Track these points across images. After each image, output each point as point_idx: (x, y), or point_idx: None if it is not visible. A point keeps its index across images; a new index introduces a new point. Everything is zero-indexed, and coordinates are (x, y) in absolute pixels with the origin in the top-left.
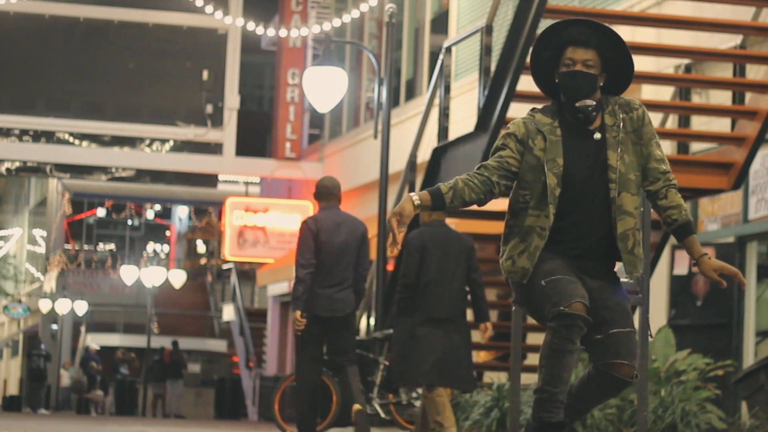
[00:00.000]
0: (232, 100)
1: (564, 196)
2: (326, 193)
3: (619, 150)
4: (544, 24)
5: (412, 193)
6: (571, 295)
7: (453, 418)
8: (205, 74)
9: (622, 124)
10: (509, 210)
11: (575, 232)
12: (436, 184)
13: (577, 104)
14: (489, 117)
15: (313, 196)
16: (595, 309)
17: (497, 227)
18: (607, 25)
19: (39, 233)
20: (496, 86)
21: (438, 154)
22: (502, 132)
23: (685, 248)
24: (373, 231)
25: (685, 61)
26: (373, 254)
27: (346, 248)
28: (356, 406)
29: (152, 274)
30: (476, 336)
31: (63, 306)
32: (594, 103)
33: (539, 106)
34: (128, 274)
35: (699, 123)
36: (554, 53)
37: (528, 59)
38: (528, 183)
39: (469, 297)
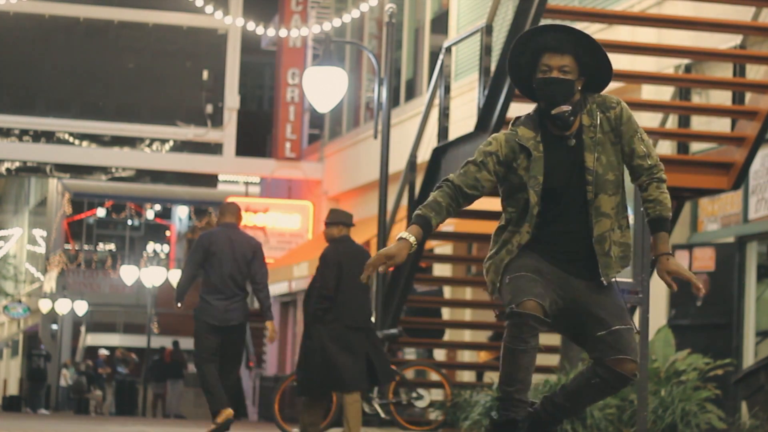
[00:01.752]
0: (232, 100)
1: (545, 209)
2: (227, 213)
3: (596, 152)
4: (544, 24)
5: (405, 235)
6: (525, 294)
7: (359, 423)
8: (205, 74)
9: (599, 123)
10: (498, 224)
11: (557, 238)
12: (436, 184)
13: (552, 112)
14: (489, 117)
15: (217, 215)
16: (588, 307)
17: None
18: (580, 30)
19: (39, 233)
20: (496, 86)
21: (438, 154)
22: (483, 146)
23: (652, 242)
24: (372, 231)
25: (685, 61)
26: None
27: (237, 263)
28: (228, 411)
29: (152, 274)
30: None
31: (63, 306)
32: (570, 108)
33: (522, 114)
34: (128, 274)
35: (699, 123)
36: (531, 59)
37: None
38: (513, 200)
39: None
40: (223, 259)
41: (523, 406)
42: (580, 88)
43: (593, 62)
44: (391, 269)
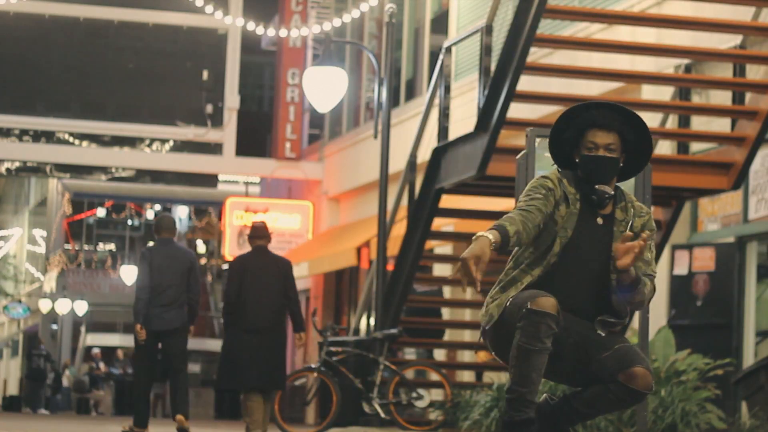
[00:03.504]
0: (232, 100)
1: (560, 266)
2: (163, 228)
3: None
4: (545, 24)
5: (482, 233)
6: (540, 294)
7: (261, 419)
8: (205, 74)
9: (631, 223)
10: (511, 258)
11: (562, 292)
12: (436, 184)
13: (597, 187)
14: (489, 117)
15: (153, 231)
16: (587, 333)
17: None
18: (630, 109)
19: (39, 233)
20: (496, 86)
21: (438, 154)
22: (541, 181)
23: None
24: (372, 231)
25: (685, 61)
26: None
27: (175, 275)
28: (179, 417)
29: None
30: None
31: (63, 306)
32: (612, 192)
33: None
34: (128, 274)
35: (699, 123)
36: (575, 133)
37: (526, 59)
38: (537, 243)
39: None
40: (163, 271)
41: (534, 407)
42: (621, 164)
43: (637, 140)
44: (390, 268)
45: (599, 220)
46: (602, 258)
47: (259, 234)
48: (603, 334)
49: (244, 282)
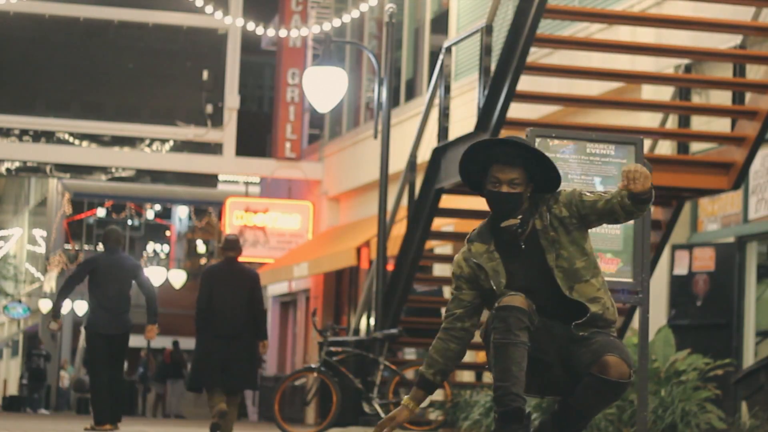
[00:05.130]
0: (232, 100)
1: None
2: (111, 239)
3: (554, 251)
4: (545, 24)
5: (406, 402)
6: (508, 293)
7: (230, 418)
8: (205, 74)
9: (550, 223)
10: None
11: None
12: (436, 184)
13: (502, 225)
14: (489, 117)
15: (101, 242)
16: (570, 335)
17: None
18: (528, 143)
19: (39, 233)
20: (496, 86)
21: (438, 154)
22: (453, 272)
23: None
24: (372, 231)
25: (685, 61)
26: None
27: (119, 282)
28: (107, 426)
29: (152, 274)
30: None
31: (63, 306)
32: (518, 221)
33: (476, 225)
34: None
35: (699, 123)
36: (481, 168)
37: (526, 59)
38: (488, 303)
39: None
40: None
41: (522, 400)
42: (529, 194)
43: (542, 171)
44: (390, 268)
45: (523, 246)
46: (544, 272)
47: (230, 246)
48: (585, 334)
49: (213, 291)
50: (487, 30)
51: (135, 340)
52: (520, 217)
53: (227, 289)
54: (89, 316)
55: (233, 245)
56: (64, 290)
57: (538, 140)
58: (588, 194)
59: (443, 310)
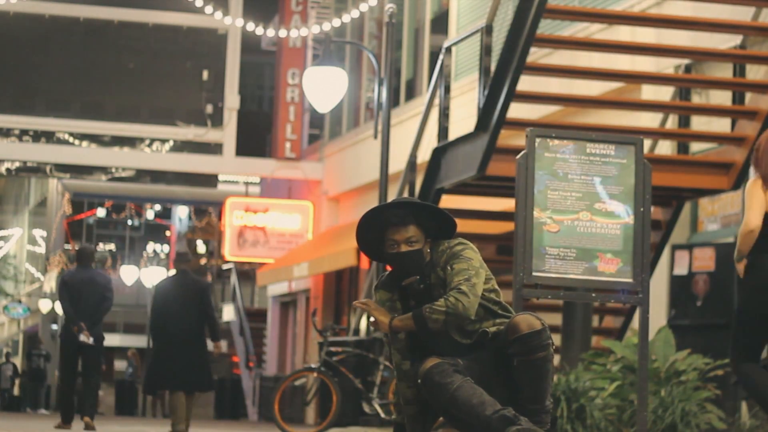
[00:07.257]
0: (232, 100)
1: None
2: (81, 256)
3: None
4: (545, 24)
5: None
6: (418, 365)
7: (183, 416)
8: (205, 74)
9: (444, 277)
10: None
11: (437, 345)
12: (436, 184)
13: (402, 284)
14: (489, 117)
15: (75, 257)
16: (482, 340)
17: (497, 227)
18: (416, 201)
19: (39, 233)
20: (496, 86)
21: (438, 154)
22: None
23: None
24: None
25: (685, 61)
26: None
27: (90, 297)
28: (86, 418)
29: (152, 274)
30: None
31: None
32: (418, 277)
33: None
34: (128, 274)
35: (699, 123)
36: (377, 235)
37: (526, 59)
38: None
39: None
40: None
41: (504, 407)
42: (429, 249)
43: (436, 221)
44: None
45: (421, 286)
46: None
47: (181, 259)
48: (494, 330)
49: (166, 301)
50: (487, 30)
51: (126, 340)
52: (417, 277)
53: (178, 299)
54: (64, 327)
55: (184, 258)
56: (64, 308)
57: (538, 140)
58: (456, 264)
59: None
